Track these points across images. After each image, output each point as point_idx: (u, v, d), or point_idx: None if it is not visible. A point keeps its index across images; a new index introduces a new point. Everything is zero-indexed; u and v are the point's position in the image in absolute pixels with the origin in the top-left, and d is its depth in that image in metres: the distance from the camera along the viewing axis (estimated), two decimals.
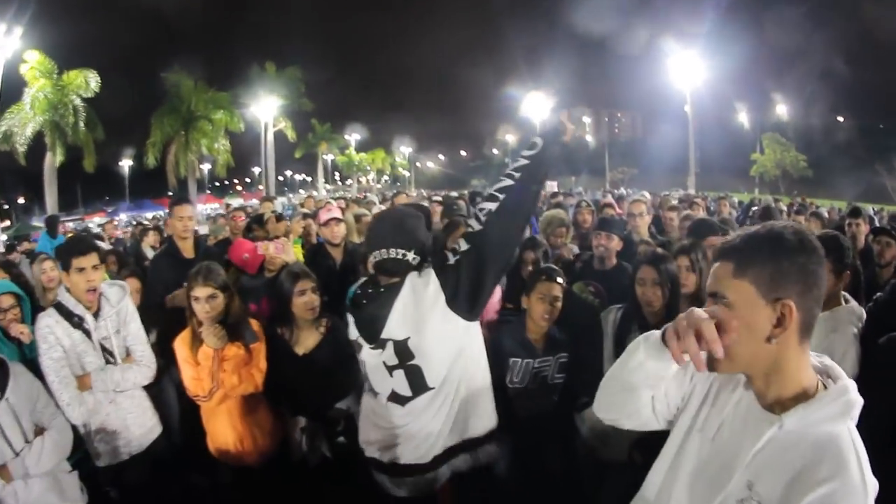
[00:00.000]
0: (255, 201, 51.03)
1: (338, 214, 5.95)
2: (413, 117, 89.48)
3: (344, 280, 5.14)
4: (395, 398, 2.80)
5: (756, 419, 1.59)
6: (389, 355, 2.74)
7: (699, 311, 1.51)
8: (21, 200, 55.68)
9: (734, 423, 1.66)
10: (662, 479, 1.82)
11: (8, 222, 46.76)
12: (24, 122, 25.95)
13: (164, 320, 4.58)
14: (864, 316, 3.55)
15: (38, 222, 35.19)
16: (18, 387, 3.20)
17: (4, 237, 31.10)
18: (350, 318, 2.97)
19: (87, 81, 26.99)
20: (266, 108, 43.50)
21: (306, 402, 4.01)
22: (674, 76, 41.08)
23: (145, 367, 3.93)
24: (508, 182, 2.72)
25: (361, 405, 3.15)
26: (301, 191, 77.46)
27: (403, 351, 2.71)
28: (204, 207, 44.50)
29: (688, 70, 39.73)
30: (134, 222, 34.67)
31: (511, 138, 78.45)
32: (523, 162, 2.75)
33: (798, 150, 53.90)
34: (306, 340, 4.05)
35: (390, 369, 2.76)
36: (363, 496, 3.07)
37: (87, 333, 3.69)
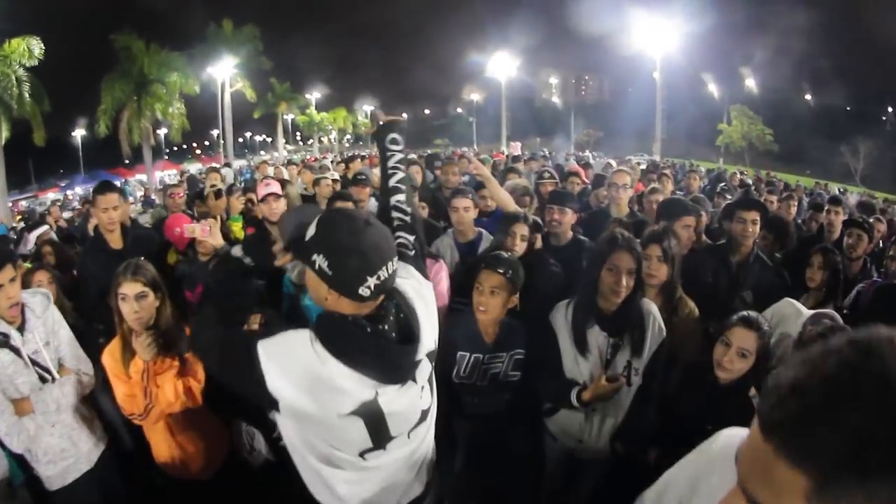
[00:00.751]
0: (216, 165, 50.47)
1: (276, 189, 5.51)
2: (375, 76, 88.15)
3: None
4: (423, 417, 2.39)
5: None
6: (425, 374, 2.35)
7: None
8: None
9: None
10: None
11: None
12: None
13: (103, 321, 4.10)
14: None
15: None
16: None
17: None
18: (346, 378, 2.05)
19: (29, 49, 25.79)
20: (223, 68, 42.90)
21: (242, 404, 3.67)
22: (644, 42, 41.45)
23: (84, 375, 3.62)
24: (401, 174, 2.80)
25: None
26: (262, 152, 76.37)
27: (432, 359, 2.38)
28: (162, 174, 43.80)
29: (658, 36, 40.26)
30: (90, 196, 33.90)
31: (476, 97, 77.83)
32: (399, 155, 2.89)
33: (765, 125, 54.36)
34: None
35: (422, 390, 2.36)
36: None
37: (16, 351, 3.33)
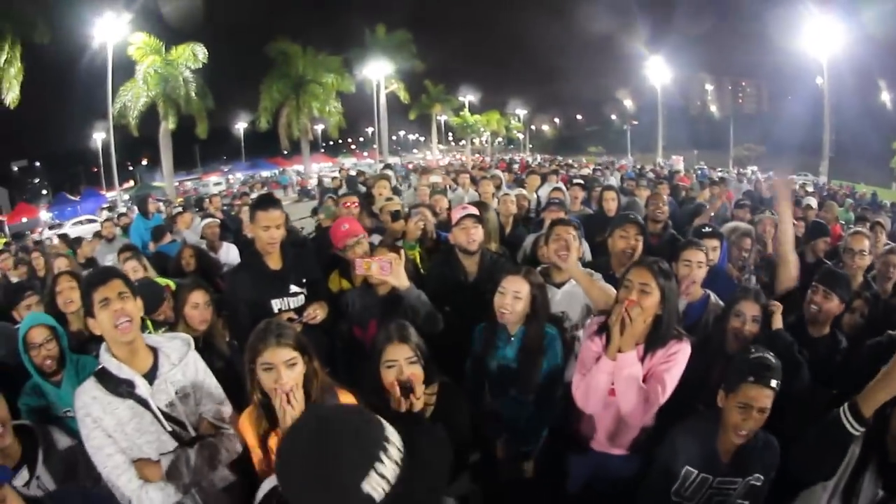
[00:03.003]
0: (370, 161, 52.38)
1: (474, 211, 4.58)
2: (528, 79, 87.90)
3: (479, 301, 3.88)
4: None
5: None
6: None
7: None
8: (144, 162, 58.32)
9: None
10: None
11: (132, 182, 50.22)
12: (137, 96, 29.36)
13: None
14: None
15: (159, 181, 37.68)
16: (52, 458, 2.79)
17: (126, 197, 34.11)
18: None
19: (194, 54, 30.12)
20: (377, 71, 44.57)
21: None
22: (808, 44, 37.11)
23: (229, 437, 2.97)
24: None
25: None
26: (415, 150, 77.62)
27: None
28: (318, 166, 45.89)
29: (824, 37, 35.57)
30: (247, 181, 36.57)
31: (629, 104, 75.97)
32: None
33: None
34: None
35: None
36: None
37: (143, 402, 2.77)
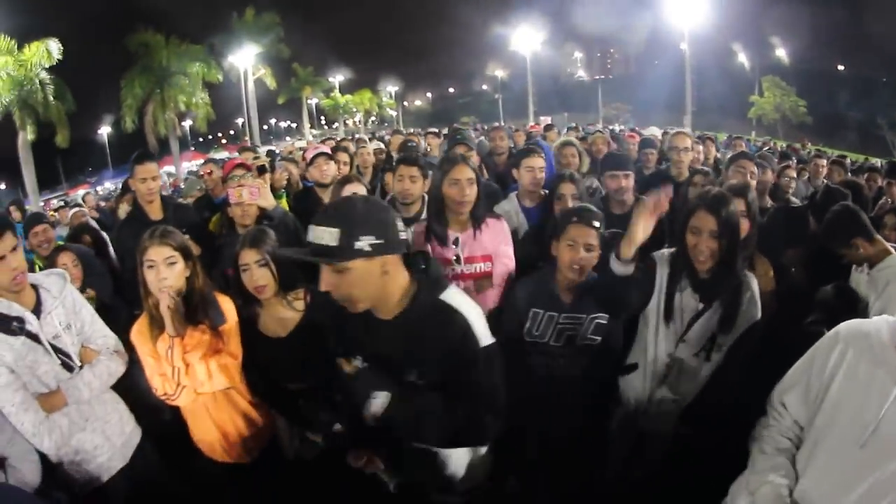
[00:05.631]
0: (246, 146, 50.20)
1: (326, 149, 5.53)
2: (399, 56, 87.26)
3: None
4: None
5: None
6: None
7: None
8: (2, 186, 53.56)
9: None
10: None
11: None
12: None
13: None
14: None
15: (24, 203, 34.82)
16: None
17: None
18: None
19: (48, 51, 25.71)
20: (245, 57, 42.86)
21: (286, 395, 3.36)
22: (671, 12, 40.60)
23: (116, 355, 3.21)
24: None
25: None
26: (287, 138, 76.40)
27: None
28: (189, 164, 44.02)
29: (685, 6, 39.18)
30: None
31: (500, 73, 77.10)
32: None
33: (798, 96, 52.84)
34: (275, 321, 3.33)
35: None
36: (363, 488, 2.56)
37: (34, 337, 2.88)
